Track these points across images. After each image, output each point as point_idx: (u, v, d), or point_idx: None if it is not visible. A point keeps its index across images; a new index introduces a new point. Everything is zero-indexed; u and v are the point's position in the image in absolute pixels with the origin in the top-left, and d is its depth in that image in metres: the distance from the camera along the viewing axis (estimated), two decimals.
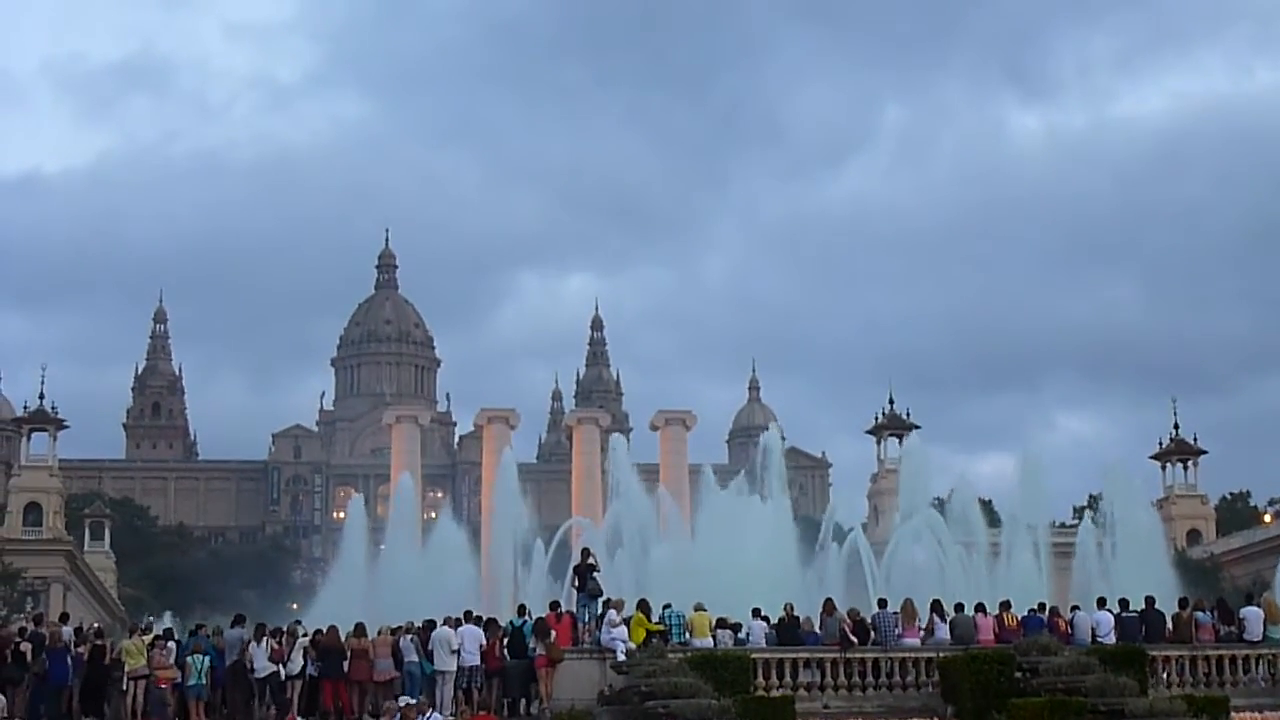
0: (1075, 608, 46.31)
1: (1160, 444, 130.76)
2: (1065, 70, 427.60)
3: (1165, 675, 41.44)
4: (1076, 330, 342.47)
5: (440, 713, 35.08)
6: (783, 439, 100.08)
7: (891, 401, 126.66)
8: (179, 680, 39.07)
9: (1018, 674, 38.81)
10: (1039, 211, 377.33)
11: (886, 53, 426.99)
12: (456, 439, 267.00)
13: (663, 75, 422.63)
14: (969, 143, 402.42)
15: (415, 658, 40.33)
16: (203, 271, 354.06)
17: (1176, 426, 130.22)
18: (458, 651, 40.28)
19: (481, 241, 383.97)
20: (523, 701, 40.86)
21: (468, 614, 42.01)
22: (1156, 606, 45.05)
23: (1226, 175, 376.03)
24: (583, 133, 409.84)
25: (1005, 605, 45.39)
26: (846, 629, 42.18)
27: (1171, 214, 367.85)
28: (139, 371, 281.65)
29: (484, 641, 40.84)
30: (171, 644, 40.30)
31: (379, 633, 41.24)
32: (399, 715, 33.56)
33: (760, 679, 39.50)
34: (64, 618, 45.00)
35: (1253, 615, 44.19)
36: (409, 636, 40.82)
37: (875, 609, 44.25)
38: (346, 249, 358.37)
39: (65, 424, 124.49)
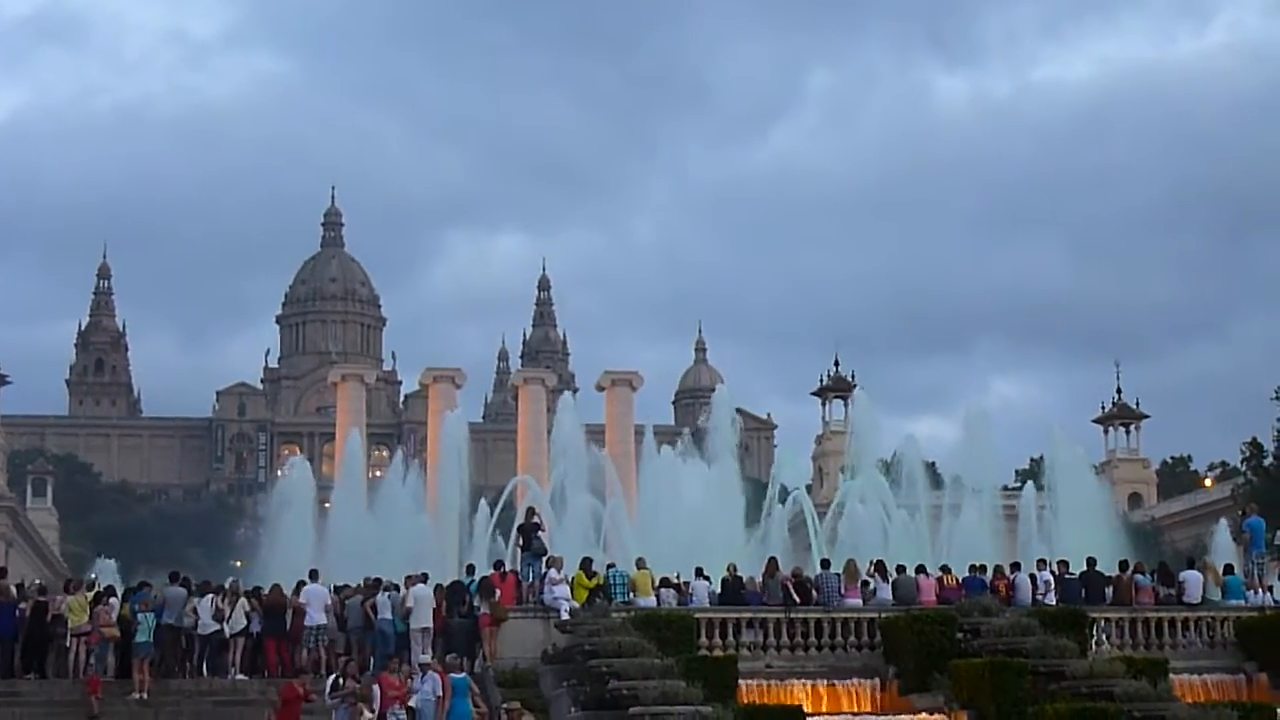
0: (1016, 566, 46.64)
1: (1103, 407, 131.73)
2: (990, 35, 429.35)
3: (1105, 637, 41.73)
4: (1005, 294, 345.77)
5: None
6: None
7: (837, 363, 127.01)
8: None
9: (959, 635, 39.01)
10: (965, 175, 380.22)
11: (811, 16, 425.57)
12: (402, 398, 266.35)
13: (586, 36, 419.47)
14: (895, 107, 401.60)
15: (389, 615, 40.16)
16: (132, 227, 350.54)
17: (1119, 390, 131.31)
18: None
19: (409, 200, 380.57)
20: (466, 660, 40.83)
21: (313, 573, 42.26)
22: (1097, 569, 45.44)
23: (1149, 141, 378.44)
24: (506, 93, 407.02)
25: (945, 570, 45.79)
26: (789, 589, 42.30)
27: (1095, 179, 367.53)
28: (82, 327, 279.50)
29: (329, 602, 40.96)
30: (114, 601, 40.14)
31: None
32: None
33: (703, 639, 39.54)
34: (2, 572, 44.56)
35: (1192, 578, 44.54)
36: (385, 594, 40.60)
37: (819, 569, 44.47)
38: (277, 205, 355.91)
39: (7, 379, 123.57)
